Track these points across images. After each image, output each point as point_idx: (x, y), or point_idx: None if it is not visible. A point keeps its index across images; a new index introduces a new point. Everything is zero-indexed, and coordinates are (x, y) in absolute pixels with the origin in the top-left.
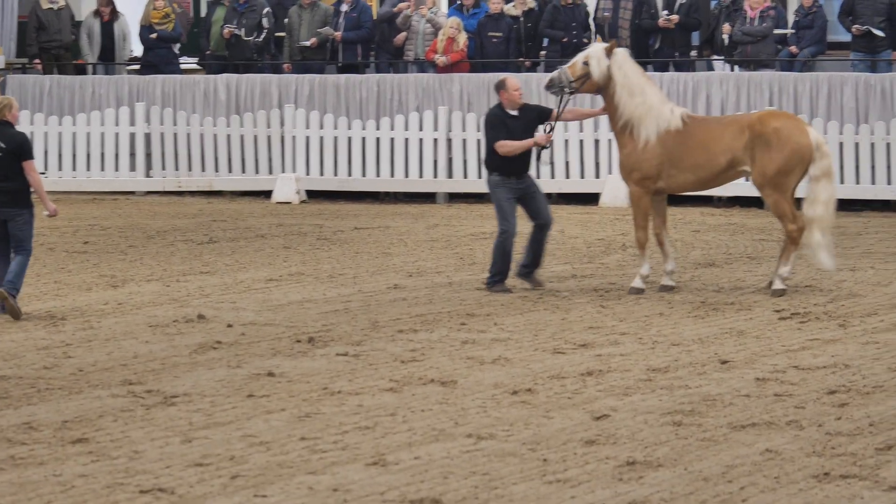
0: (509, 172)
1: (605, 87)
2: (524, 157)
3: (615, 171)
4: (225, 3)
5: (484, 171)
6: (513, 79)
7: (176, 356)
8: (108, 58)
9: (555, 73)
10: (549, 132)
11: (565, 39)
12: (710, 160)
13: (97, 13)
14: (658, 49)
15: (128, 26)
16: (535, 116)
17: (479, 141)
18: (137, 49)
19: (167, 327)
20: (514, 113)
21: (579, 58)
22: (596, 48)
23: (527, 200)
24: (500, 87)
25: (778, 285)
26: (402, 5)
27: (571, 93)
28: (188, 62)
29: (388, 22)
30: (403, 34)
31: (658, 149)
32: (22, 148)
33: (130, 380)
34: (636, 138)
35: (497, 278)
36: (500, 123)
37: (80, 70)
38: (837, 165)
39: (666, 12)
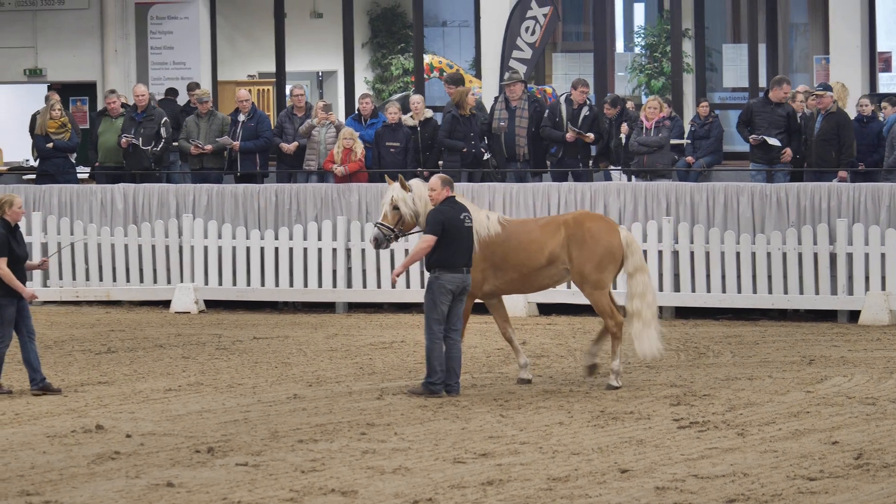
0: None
1: (416, 218)
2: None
3: None
4: (111, 115)
5: (386, 280)
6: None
7: (74, 467)
8: None
9: (375, 231)
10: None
11: (465, 150)
12: (531, 258)
13: None
14: (560, 159)
15: None
16: None
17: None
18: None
19: (65, 437)
20: None
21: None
22: (393, 190)
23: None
24: (448, 184)
25: (612, 382)
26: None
27: (398, 237)
28: (83, 172)
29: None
30: (295, 144)
31: (479, 255)
32: None
33: (28, 490)
34: None
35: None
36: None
37: None
38: (734, 275)
39: (574, 129)
